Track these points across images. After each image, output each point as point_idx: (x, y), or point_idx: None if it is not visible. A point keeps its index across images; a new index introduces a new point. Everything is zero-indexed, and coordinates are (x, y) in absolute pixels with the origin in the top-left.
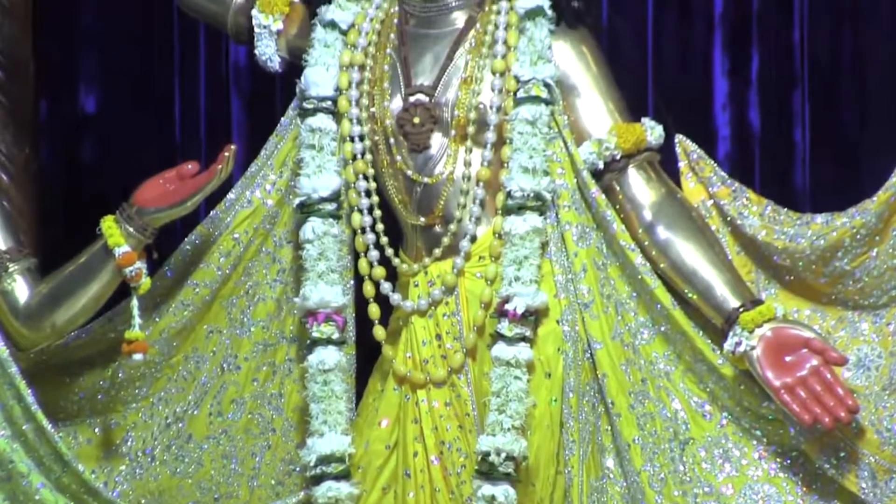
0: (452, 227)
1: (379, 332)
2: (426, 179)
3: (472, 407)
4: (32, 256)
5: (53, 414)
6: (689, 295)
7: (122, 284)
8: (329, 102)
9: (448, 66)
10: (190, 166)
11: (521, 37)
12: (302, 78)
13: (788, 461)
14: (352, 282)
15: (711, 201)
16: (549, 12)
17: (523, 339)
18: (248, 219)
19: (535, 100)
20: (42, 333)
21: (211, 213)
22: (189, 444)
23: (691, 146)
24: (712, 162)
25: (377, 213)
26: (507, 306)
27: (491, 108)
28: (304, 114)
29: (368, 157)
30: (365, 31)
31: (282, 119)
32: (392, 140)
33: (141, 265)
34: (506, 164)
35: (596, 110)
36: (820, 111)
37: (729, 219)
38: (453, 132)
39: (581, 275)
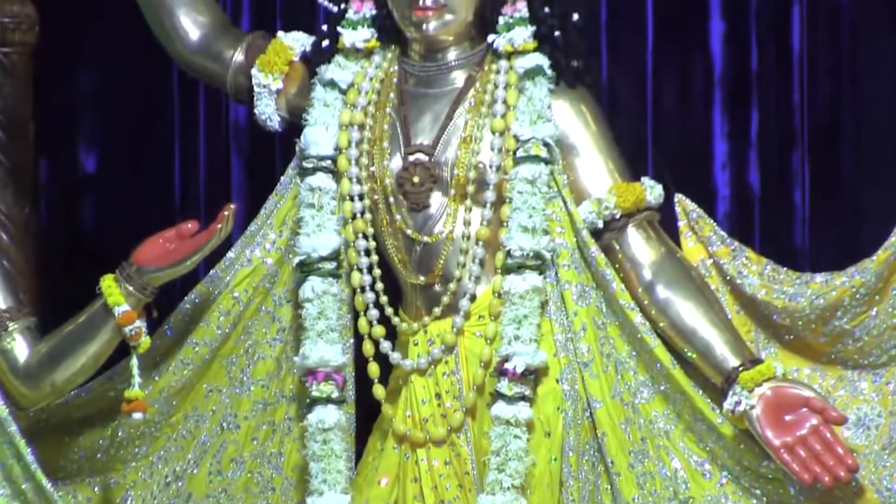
0: (452, 286)
1: (378, 390)
2: (426, 238)
3: (471, 466)
4: (32, 315)
5: (53, 473)
6: (689, 354)
7: (122, 343)
8: (329, 161)
9: (447, 125)
10: (189, 225)
11: (520, 96)
12: (301, 137)
13: None
14: (351, 341)
15: (711, 260)
16: (549, 72)
17: (523, 398)
18: (248, 278)
19: (535, 159)
20: (42, 392)
21: (210, 272)
22: None
23: (691, 205)
24: (712, 221)
25: (377, 272)
26: (506, 365)
27: (490, 167)
28: (304, 173)
29: (368, 216)
30: (364, 91)
31: (281, 178)
32: (392, 199)
33: (140, 324)
34: (505, 224)
35: (595, 170)
36: (819, 171)
37: (728, 278)
38: (453, 191)
39: (581, 334)
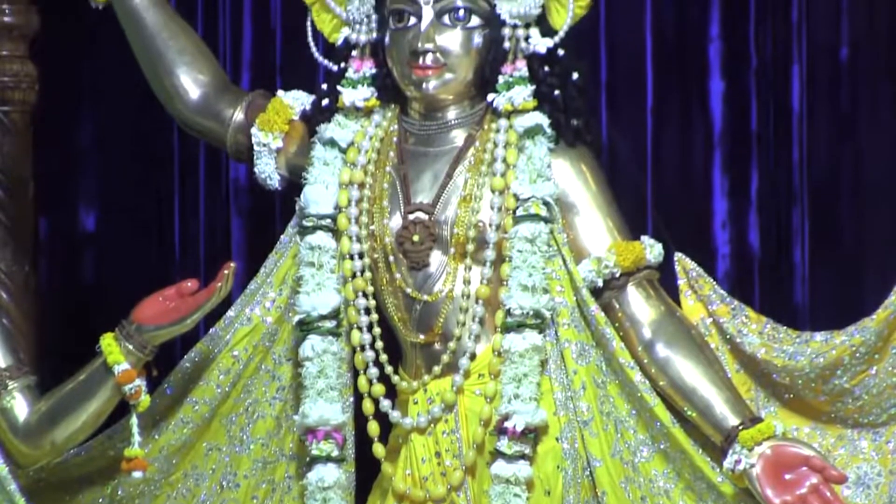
0: (452, 344)
1: (378, 449)
2: (425, 297)
3: None
4: (32, 374)
5: None
6: (689, 413)
7: (122, 401)
8: (328, 220)
9: (447, 183)
10: (189, 284)
11: (520, 155)
12: (301, 196)
13: None
14: (351, 399)
15: (711, 319)
16: (549, 130)
17: (523, 456)
18: (248, 336)
19: (535, 218)
20: (41, 451)
21: (210, 330)
22: None
23: (690, 264)
24: (711, 280)
25: (376, 330)
26: (506, 424)
27: (490, 225)
28: (304, 231)
29: (368, 274)
30: (364, 149)
31: (281, 237)
32: (391, 258)
33: (140, 382)
34: (505, 282)
35: (595, 228)
36: (819, 229)
37: (728, 337)
38: (453, 250)
39: (580, 392)
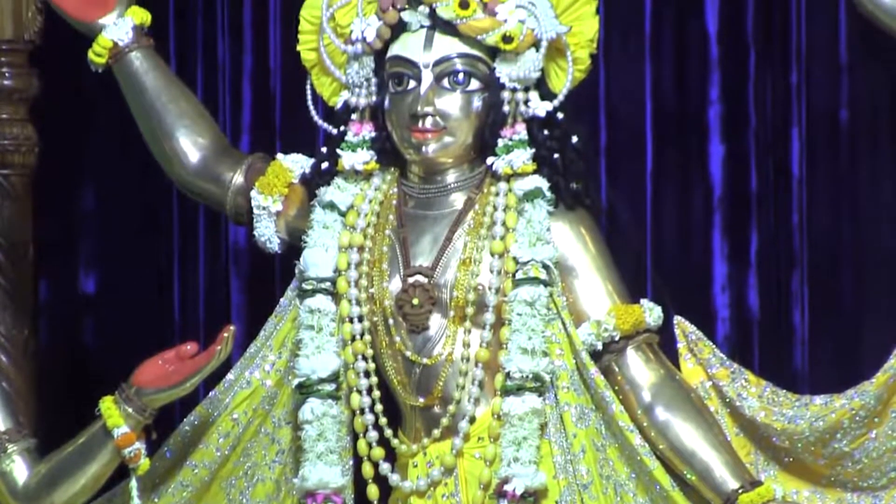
0: (451, 408)
1: None
2: (425, 360)
3: None
4: (31, 437)
5: None
6: (689, 476)
7: (121, 464)
8: (328, 283)
9: (447, 247)
10: (189, 347)
11: (519, 218)
12: (301, 259)
13: None
14: (351, 462)
15: (710, 382)
16: (548, 194)
17: None
18: (247, 399)
19: (534, 281)
20: None
21: (210, 393)
22: None
23: (690, 327)
24: (711, 343)
25: (376, 393)
26: (506, 487)
27: (490, 289)
28: (303, 294)
29: (367, 337)
30: (364, 213)
31: (281, 300)
32: (391, 321)
33: (140, 445)
34: (505, 345)
35: (594, 291)
36: (819, 293)
37: (728, 400)
38: (452, 313)
39: (580, 455)
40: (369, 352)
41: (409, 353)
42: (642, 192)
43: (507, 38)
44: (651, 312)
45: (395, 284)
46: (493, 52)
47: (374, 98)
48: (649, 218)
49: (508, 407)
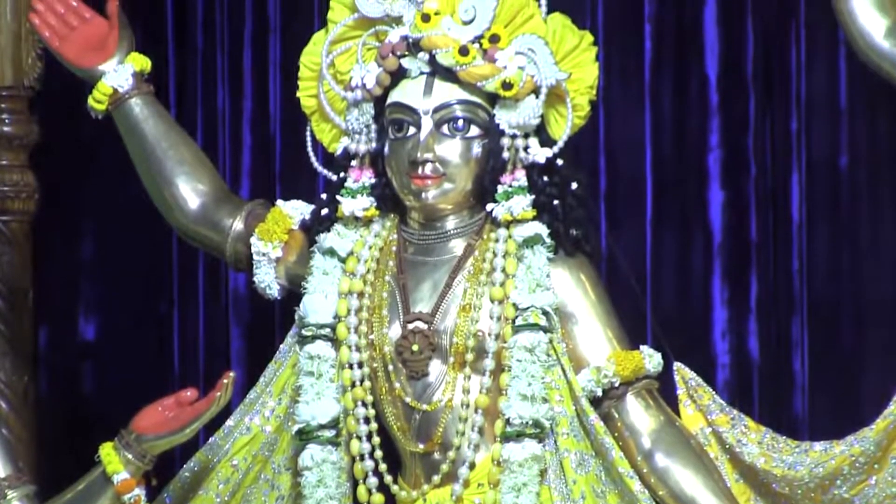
0: (451, 454)
1: None
2: (425, 406)
3: None
4: (32, 483)
5: None
6: None
7: None
8: (328, 330)
9: (447, 293)
10: (189, 393)
11: (519, 265)
12: (301, 305)
13: None
14: None
15: (710, 429)
16: (548, 240)
17: None
18: (247, 446)
19: (534, 327)
20: None
21: (209, 439)
22: None
23: (689, 374)
24: (710, 389)
25: (376, 439)
26: None
27: (489, 335)
28: (303, 341)
29: (367, 383)
30: (364, 259)
31: (280, 346)
32: (391, 367)
33: (140, 492)
34: (504, 392)
35: (594, 338)
36: (819, 339)
37: (728, 446)
38: (452, 359)
39: (580, 502)
40: (369, 398)
41: (408, 399)
42: (642, 238)
43: (506, 85)
44: (651, 359)
45: (395, 330)
46: (493, 99)
47: (373, 144)
48: (649, 264)
49: (508, 453)
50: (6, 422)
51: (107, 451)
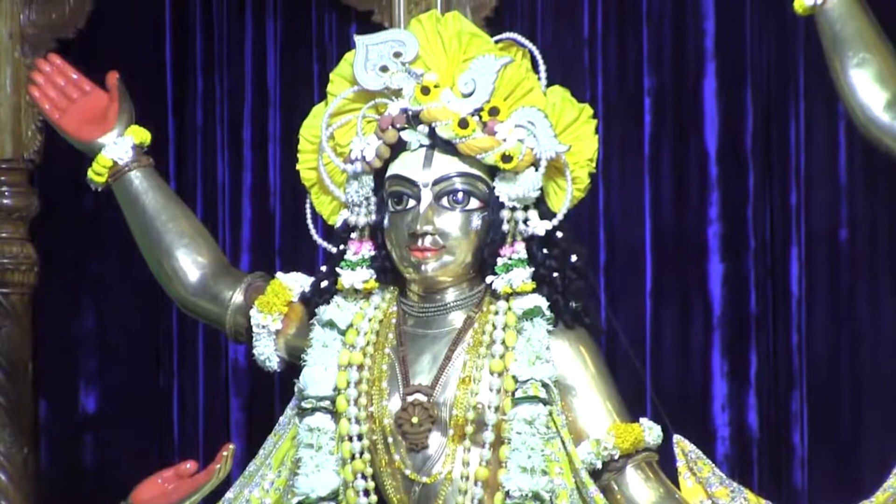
0: None
1: None
2: (424, 479)
3: None
4: None
5: None
6: None
7: None
8: (327, 402)
9: (446, 365)
10: (188, 465)
11: (519, 337)
12: (300, 377)
13: None
14: None
15: (710, 501)
16: (547, 312)
17: None
18: None
19: (534, 400)
20: None
21: None
22: None
23: (689, 446)
24: (710, 462)
25: None
26: None
27: (489, 407)
28: (303, 413)
29: (367, 456)
30: (363, 331)
31: (280, 418)
32: (390, 439)
33: None
34: (504, 464)
35: (594, 410)
36: (818, 412)
37: None
38: (451, 432)
39: None
40: (368, 470)
41: (408, 472)
42: (642, 311)
43: (506, 158)
44: (650, 431)
45: (395, 403)
46: (493, 171)
47: (373, 217)
48: (648, 336)
49: None
50: (5, 494)
51: None
